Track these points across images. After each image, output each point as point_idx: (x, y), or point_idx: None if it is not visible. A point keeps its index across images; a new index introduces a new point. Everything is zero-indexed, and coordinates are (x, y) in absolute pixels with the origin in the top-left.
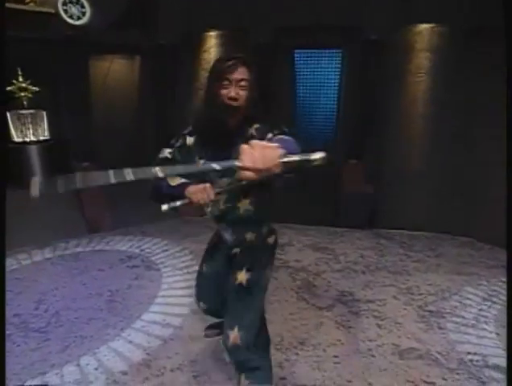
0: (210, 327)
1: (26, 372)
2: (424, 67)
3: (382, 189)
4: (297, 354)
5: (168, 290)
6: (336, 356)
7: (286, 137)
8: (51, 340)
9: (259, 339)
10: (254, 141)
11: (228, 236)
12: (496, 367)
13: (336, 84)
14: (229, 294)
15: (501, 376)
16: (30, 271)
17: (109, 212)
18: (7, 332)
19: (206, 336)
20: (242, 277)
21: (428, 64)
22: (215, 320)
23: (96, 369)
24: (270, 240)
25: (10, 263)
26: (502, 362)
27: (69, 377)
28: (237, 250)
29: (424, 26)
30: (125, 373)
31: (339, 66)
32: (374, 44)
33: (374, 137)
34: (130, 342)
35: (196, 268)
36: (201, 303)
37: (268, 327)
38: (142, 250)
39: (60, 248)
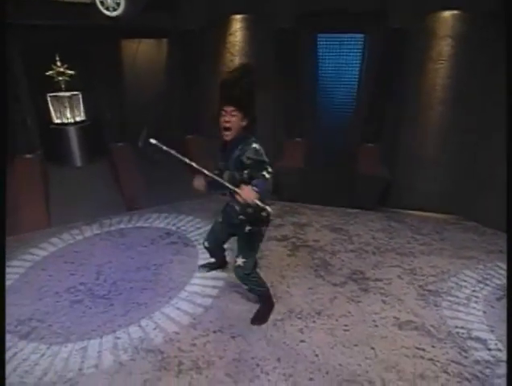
0: (202, 266)
1: (101, 329)
2: (445, 54)
3: (397, 172)
4: (314, 322)
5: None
6: (346, 325)
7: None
8: (114, 305)
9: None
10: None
11: (237, 207)
12: (477, 339)
13: (356, 69)
14: (239, 238)
15: (480, 346)
16: (84, 245)
17: (145, 191)
18: (78, 298)
19: (200, 270)
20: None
21: (450, 51)
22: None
23: (154, 329)
24: (263, 213)
25: (67, 237)
26: (483, 334)
27: (134, 335)
28: (242, 217)
29: (447, 13)
30: (177, 333)
31: (360, 51)
32: (397, 31)
33: (391, 121)
34: (178, 308)
35: (227, 245)
36: (206, 242)
37: (290, 300)
38: (178, 227)
39: (106, 225)
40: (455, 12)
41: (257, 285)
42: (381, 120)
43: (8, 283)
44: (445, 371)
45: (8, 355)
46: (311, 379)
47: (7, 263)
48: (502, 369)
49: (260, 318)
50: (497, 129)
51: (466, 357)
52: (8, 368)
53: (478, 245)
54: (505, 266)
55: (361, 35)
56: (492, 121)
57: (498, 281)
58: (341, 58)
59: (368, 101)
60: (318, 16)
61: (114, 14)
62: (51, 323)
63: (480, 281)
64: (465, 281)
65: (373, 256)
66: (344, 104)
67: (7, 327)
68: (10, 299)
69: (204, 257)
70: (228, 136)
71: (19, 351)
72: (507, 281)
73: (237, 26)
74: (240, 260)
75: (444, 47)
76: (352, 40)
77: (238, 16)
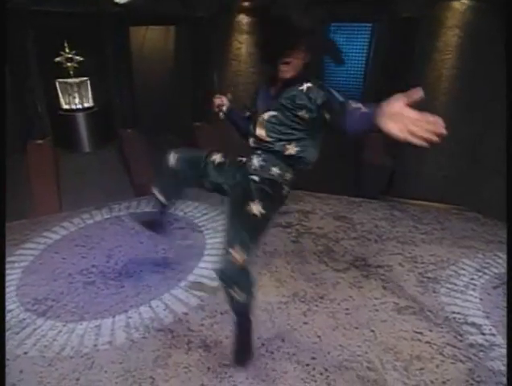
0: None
1: (113, 309)
2: (452, 45)
3: (401, 161)
4: (317, 306)
5: (212, 250)
6: (347, 309)
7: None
8: (125, 287)
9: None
10: None
11: (257, 162)
12: (472, 324)
13: (363, 58)
14: (240, 213)
15: (475, 331)
16: (94, 229)
17: (154, 177)
18: (90, 279)
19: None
20: (256, 207)
21: (457, 41)
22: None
23: (164, 310)
24: (287, 184)
25: (78, 222)
26: (478, 320)
27: (145, 315)
28: (255, 178)
29: (457, 2)
30: (186, 314)
31: (368, 40)
32: (405, 20)
33: None
34: (187, 291)
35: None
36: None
37: (294, 284)
38: (185, 213)
39: (115, 210)
40: (465, 1)
41: (248, 289)
42: None
43: (24, 264)
44: (441, 353)
45: (27, 331)
46: (313, 358)
47: (23, 245)
48: (495, 352)
49: (246, 350)
50: (501, 120)
51: (461, 341)
52: (28, 343)
53: (478, 235)
54: (503, 255)
55: (369, 24)
56: (497, 113)
57: (496, 270)
58: (348, 47)
59: (374, 91)
60: (325, 4)
61: (123, 1)
62: (65, 303)
63: (478, 270)
64: (464, 269)
65: (376, 243)
66: (350, 94)
67: (26, 306)
68: (26, 280)
69: (211, 243)
70: (287, 72)
71: (38, 328)
72: (507, 273)
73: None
74: (237, 252)
75: (451, 37)
76: (359, 29)
77: (247, 3)
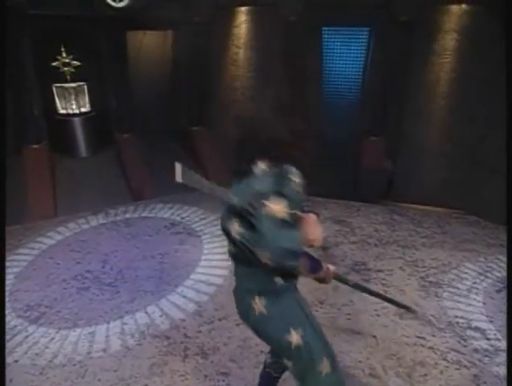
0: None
1: (108, 316)
2: (450, 48)
3: (400, 165)
4: (317, 311)
5: (209, 255)
6: (348, 314)
7: None
8: (120, 293)
9: None
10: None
11: None
12: (476, 329)
13: (361, 62)
14: None
15: (480, 336)
16: (90, 234)
17: (151, 182)
18: (85, 285)
19: None
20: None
21: (454, 45)
22: None
23: (160, 316)
24: None
25: (73, 227)
26: (482, 325)
27: (141, 321)
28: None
29: (455, 6)
30: (183, 320)
31: (365, 44)
32: (402, 24)
33: (395, 115)
34: (184, 296)
35: None
36: None
37: None
38: (182, 218)
39: (111, 215)
40: (462, 6)
41: None
42: (386, 113)
43: (17, 270)
44: (444, 359)
45: (19, 338)
46: None
47: (16, 251)
48: (500, 358)
49: None
50: (499, 124)
51: (465, 346)
52: (19, 351)
53: (479, 239)
54: (505, 259)
55: (367, 28)
56: (494, 118)
57: (498, 274)
58: (346, 51)
59: (372, 94)
60: (323, 8)
61: (120, 5)
62: (59, 309)
63: (480, 274)
64: (466, 273)
65: (376, 247)
66: (348, 97)
67: (17, 312)
68: (19, 286)
69: (209, 247)
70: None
71: (30, 335)
72: (507, 275)
73: (242, 18)
74: None
75: (449, 41)
76: (357, 33)
77: (243, 8)
